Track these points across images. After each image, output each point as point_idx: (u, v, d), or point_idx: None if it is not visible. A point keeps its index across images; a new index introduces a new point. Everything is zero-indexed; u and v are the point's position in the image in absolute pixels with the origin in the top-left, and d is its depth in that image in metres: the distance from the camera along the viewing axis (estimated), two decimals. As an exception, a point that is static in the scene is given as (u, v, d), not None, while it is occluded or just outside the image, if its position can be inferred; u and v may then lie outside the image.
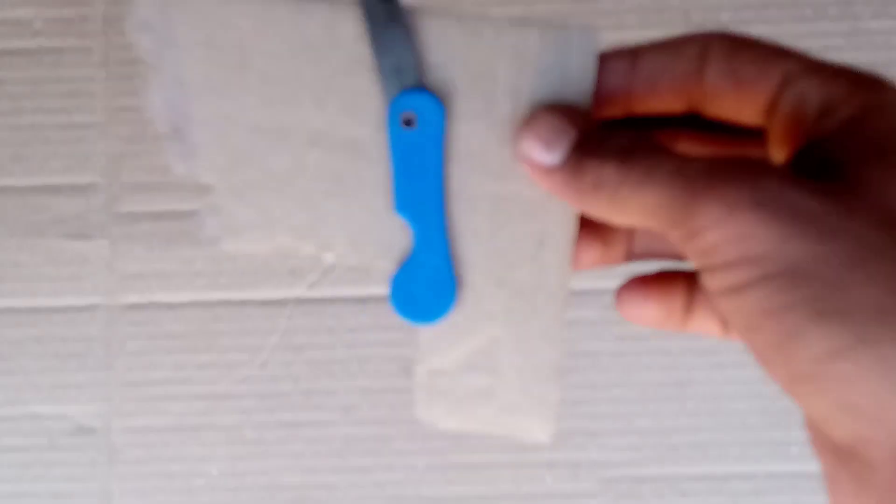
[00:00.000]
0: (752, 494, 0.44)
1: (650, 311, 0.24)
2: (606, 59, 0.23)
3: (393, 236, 0.25)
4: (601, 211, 0.21)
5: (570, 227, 0.24)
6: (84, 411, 0.45)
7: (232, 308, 0.45)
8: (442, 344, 0.25)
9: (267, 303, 0.45)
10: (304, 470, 0.45)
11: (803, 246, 0.18)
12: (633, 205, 0.20)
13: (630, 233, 0.25)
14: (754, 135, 0.22)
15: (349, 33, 0.24)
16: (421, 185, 0.24)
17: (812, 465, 0.43)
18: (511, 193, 0.24)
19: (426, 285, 0.26)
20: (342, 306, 0.45)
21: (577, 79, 0.24)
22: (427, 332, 0.24)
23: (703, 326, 0.24)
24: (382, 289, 0.46)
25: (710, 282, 0.19)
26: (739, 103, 0.22)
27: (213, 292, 0.45)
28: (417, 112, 0.24)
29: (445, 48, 0.24)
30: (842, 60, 0.45)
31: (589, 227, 0.24)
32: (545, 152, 0.22)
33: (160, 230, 0.46)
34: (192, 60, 0.25)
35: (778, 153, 0.21)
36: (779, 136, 0.21)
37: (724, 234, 0.18)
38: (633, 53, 0.23)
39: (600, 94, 0.22)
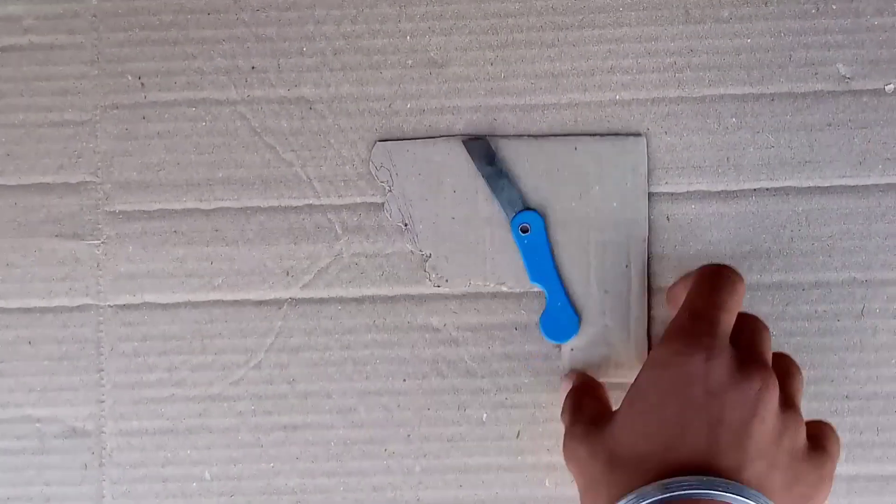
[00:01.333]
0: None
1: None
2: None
3: None
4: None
5: (643, 254, 0.43)
6: (76, 413, 0.45)
7: (226, 309, 0.45)
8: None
9: (262, 303, 0.45)
10: (301, 473, 0.45)
11: (578, 479, 0.37)
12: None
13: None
14: None
15: None
16: (541, 263, 0.43)
17: (814, 468, 0.43)
18: (606, 238, 0.43)
19: (560, 320, 0.43)
20: (338, 307, 0.45)
21: (635, 176, 0.43)
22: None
23: None
24: (379, 289, 0.46)
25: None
26: None
27: (208, 293, 0.45)
28: (529, 223, 0.43)
29: (534, 177, 0.44)
30: (844, 57, 0.44)
31: None
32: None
33: (153, 229, 0.45)
34: (410, 182, 0.43)
35: None
36: None
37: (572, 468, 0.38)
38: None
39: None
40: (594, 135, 0.43)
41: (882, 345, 0.43)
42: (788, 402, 0.35)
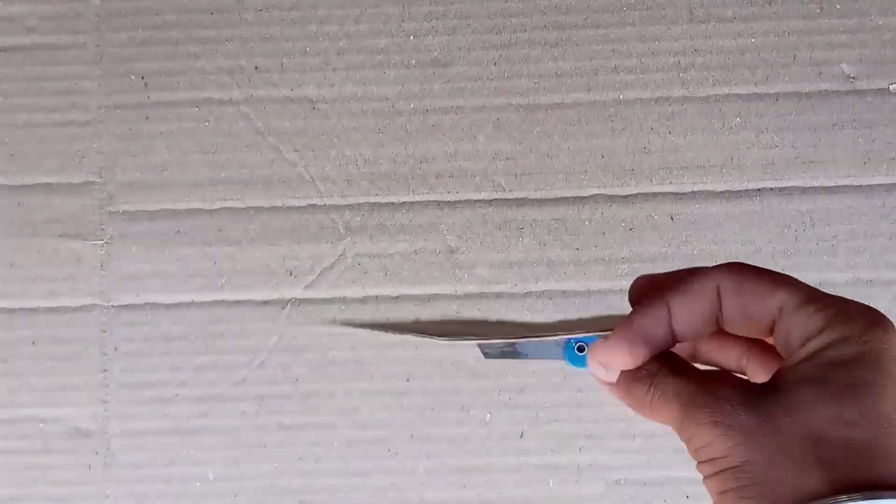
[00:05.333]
0: (757, 497, 0.43)
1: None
2: (646, 311, 0.31)
3: None
4: (642, 415, 0.31)
5: None
6: (79, 414, 0.45)
7: (230, 309, 0.45)
8: None
9: (265, 303, 0.45)
10: (304, 474, 0.45)
11: (742, 453, 0.27)
12: (657, 418, 0.30)
13: (692, 344, 0.34)
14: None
15: None
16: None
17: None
18: None
19: None
20: (342, 307, 0.45)
21: None
22: None
23: None
24: (382, 289, 0.46)
25: (699, 470, 0.29)
26: (750, 329, 0.30)
27: (211, 293, 0.45)
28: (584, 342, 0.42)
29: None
30: (849, 57, 0.44)
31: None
32: (605, 373, 0.31)
33: (156, 229, 0.45)
34: None
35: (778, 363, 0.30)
36: (776, 353, 0.30)
37: (698, 443, 0.28)
38: (665, 302, 0.30)
39: (653, 341, 0.30)
40: None
41: (886, 345, 0.43)
42: None
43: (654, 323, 0.30)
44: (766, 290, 0.30)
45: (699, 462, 0.29)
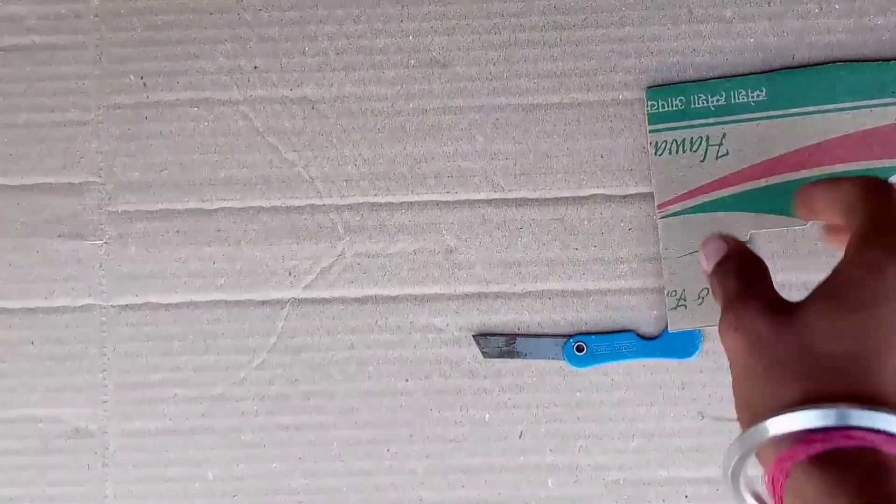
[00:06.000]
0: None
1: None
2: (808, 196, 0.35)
3: None
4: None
5: None
6: (79, 414, 0.45)
7: (229, 309, 0.45)
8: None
9: (264, 303, 0.45)
10: (303, 473, 0.45)
11: (747, 359, 0.30)
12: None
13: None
14: None
15: None
16: None
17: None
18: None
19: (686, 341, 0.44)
20: (341, 307, 0.45)
21: None
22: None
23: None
24: (382, 289, 0.46)
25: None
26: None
27: (210, 293, 0.45)
28: (583, 342, 0.44)
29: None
30: (846, 57, 0.44)
31: None
32: (705, 262, 0.35)
33: (155, 229, 0.45)
34: None
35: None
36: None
37: (724, 344, 0.31)
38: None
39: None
40: None
41: (885, 345, 0.43)
42: None
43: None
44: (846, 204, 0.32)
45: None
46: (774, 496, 0.28)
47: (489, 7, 0.44)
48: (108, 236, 0.45)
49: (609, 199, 0.44)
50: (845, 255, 0.30)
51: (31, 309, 0.45)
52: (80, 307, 0.45)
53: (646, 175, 0.44)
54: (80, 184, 0.45)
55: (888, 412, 0.27)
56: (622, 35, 0.44)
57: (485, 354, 0.44)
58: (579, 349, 0.43)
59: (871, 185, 0.32)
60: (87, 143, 0.45)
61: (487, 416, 0.44)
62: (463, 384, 0.44)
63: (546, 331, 0.44)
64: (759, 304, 0.31)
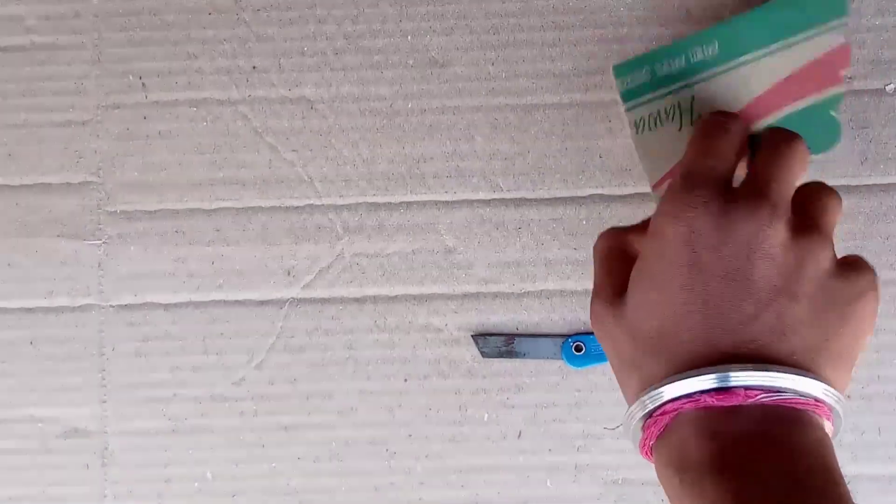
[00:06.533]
0: (755, 497, 0.43)
1: None
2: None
3: None
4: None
5: None
6: (78, 414, 0.45)
7: (228, 309, 0.45)
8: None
9: (263, 303, 0.45)
10: (303, 473, 0.45)
11: (607, 350, 0.34)
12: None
13: None
14: None
15: None
16: None
17: (816, 467, 0.43)
18: None
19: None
20: (340, 307, 0.45)
21: None
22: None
23: None
24: (381, 289, 0.46)
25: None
26: None
27: (209, 293, 0.45)
28: (581, 342, 0.44)
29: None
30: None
31: None
32: None
33: (155, 229, 0.45)
34: None
35: None
36: None
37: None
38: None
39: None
40: None
41: (884, 345, 0.43)
42: (810, 226, 0.32)
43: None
44: None
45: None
46: (648, 439, 0.32)
47: (487, 7, 0.44)
48: (107, 236, 0.45)
49: (608, 199, 0.44)
50: None
51: (31, 309, 0.45)
52: (79, 307, 0.45)
53: (643, 175, 0.44)
54: (79, 184, 0.45)
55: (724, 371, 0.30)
56: (621, 35, 0.44)
57: (483, 354, 0.44)
58: (578, 349, 0.43)
59: (697, 125, 0.36)
60: (87, 143, 0.45)
61: (486, 415, 0.44)
62: (462, 384, 0.44)
63: (545, 331, 0.44)
64: (603, 298, 0.34)
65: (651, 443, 0.31)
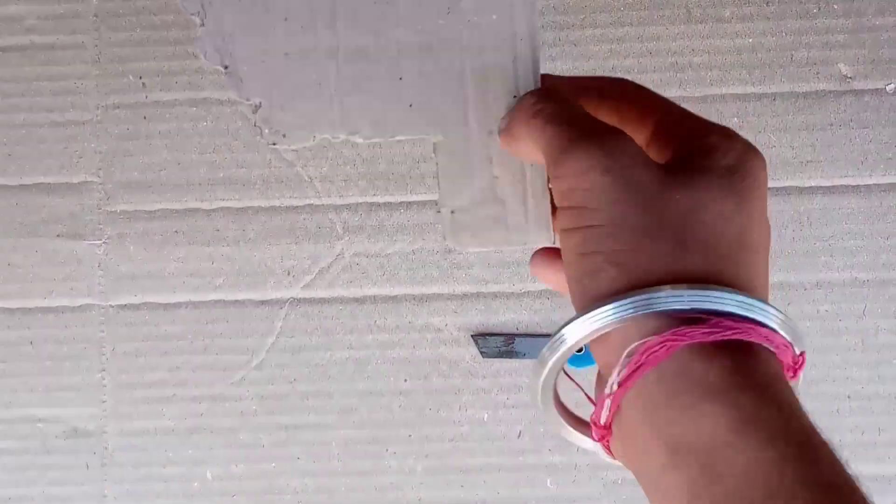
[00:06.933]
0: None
1: (550, 275, 0.29)
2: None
3: (406, 116, 0.32)
4: (507, 146, 0.28)
5: (535, 77, 0.30)
6: (78, 414, 0.45)
7: (228, 309, 0.45)
8: (457, 187, 0.32)
9: (263, 303, 0.45)
10: (302, 473, 0.45)
11: (624, 212, 0.23)
12: (524, 146, 0.26)
13: None
14: None
15: None
16: None
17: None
18: (486, 63, 0.31)
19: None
20: (340, 307, 0.45)
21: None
22: (445, 181, 0.31)
23: None
24: (381, 289, 0.46)
25: (558, 220, 0.24)
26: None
27: (209, 293, 0.45)
28: None
29: None
30: (846, 57, 0.44)
31: None
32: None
33: (154, 229, 0.45)
34: (228, 11, 0.33)
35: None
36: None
37: (576, 184, 0.23)
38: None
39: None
40: None
41: (883, 345, 0.43)
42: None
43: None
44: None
45: (563, 210, 0.24)
46: (626, 381, 0.24)
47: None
48: (106, 236, 0.45)
49: (607, 198, 0.44)
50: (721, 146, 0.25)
51: (30, 309, 0.45)
52: (78, 307, 0.45)
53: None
54: (78, 184, 0.45)
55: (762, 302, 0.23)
56: (620, 35, 0.44)
57: (483, 354, 0.44)
58: (578, 349, 0.43)
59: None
60: (86, 143, 0.45)
61: (486, 415, 0.44)
62: (462, 384, 0.44)
63: (545, 330, 0.44)
64: (637, 148, 0.24)
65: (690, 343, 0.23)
